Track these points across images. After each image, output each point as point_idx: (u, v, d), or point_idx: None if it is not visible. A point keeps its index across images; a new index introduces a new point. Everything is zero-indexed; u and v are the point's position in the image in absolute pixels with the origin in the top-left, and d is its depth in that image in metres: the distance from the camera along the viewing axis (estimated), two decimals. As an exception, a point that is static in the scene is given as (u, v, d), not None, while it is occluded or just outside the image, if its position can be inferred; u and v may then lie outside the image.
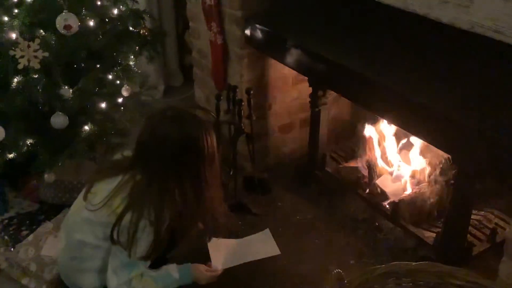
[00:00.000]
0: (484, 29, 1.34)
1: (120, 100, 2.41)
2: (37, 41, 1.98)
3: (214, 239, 1.94)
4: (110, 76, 2.34)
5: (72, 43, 2.09)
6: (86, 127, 2.19)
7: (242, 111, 2.26)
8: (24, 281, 2.04)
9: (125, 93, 2.39)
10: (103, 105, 2.27)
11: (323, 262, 2.14)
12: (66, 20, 2.01)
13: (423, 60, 1.65)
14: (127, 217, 1.51)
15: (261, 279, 2.07)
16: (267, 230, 2.10)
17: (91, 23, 2.16)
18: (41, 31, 2.06)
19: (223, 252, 1.93)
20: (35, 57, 1.98)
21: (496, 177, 1.49)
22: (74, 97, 2.11)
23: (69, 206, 2.33)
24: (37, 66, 1.98)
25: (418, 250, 2.14)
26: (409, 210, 2.21)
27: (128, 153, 1.71)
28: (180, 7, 3.23)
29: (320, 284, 1.76)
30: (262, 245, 2.03)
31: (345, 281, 1.36)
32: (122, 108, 2.43)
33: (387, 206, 2.28)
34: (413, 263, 1.46)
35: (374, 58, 1.78)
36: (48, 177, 2.20)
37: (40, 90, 2.03)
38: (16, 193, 2.49)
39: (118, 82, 2.38)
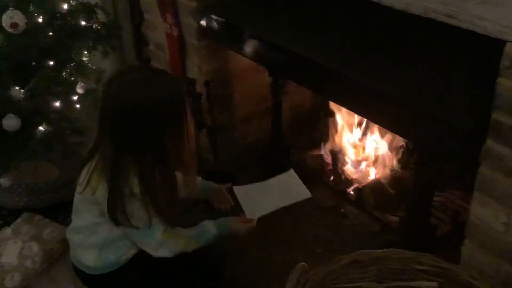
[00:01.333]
0: (437, 14, 1.33)
1: (75, 98, 2.33)
2: (-18, 41, 1.91)
3: (238, 187, 1.90)
4: (63, 74, 2.27)
5: (21, 42, 2.01)
6: (41, 128, 2.12)
7: (202, 104, 2.23)
8: None
9: (80, 90, 2.31)
10: (58, 104, 2.20)
11: (291, 252, 2.14)
12: (12, 18, 1.93)
13: (378, 47, 1.65)
14: (107, 195, 1.45)
15: (227, 269, 2.06)
16: (291, 171, 1.99)
17: (40, 19, 2.08)
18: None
19: (253, 200, 1.85)
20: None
21: (454, 160, 1.50)
22: (26, 97, 2.04)
23: (28, 210, 2.30)
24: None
25: (384, 235, 2.17)
26: (373, 195, 2.23)
27: None
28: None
29: (288, 274, 1.75)
30: (291, 188, 1.93)
31: (310, 273, 1.36)
32: (78, 106, 2.36)
33: (352, 192, 2.30)
34: (377, 251, 1.47)
35: (331, 47, 1.76)
36: (4, 181, 2.13)
37: (-11, 92, 1.95)
38: (-29, 199, 2.40)
39: (72, 79, 2.31)
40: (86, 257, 1.64)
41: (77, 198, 1.61)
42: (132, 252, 1.65)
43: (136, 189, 1.44)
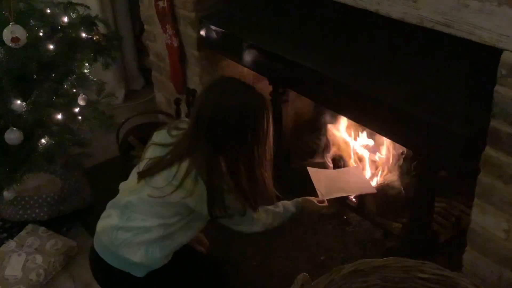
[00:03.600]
0: (433, 23, 1.34)
1: (77, 110, 2.35)
2: (-18, 57, 1.92)
3: (312, 169, 2.19)
4: (65, 86, 2.28)
5: (22, 56, 2.02)
6: (43, 140, 2.13)
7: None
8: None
9: (81, 102, 2.33)
10: (59, 116, 2.21)
11: (293, 261, 2.14)
12: (13, 33, 1.94)
13: (377, 56, 1.66)
14: (208, 194, 1.54)
15: (230, 277, 2.07)
16: (359, 166, 2.26)
17: (40, 33, 2.10)
18: (-13, 45, 1.99)
19: (325, 183, 2.10)
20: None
21: (453, 167, 1.50)
22: (28, 110, 2.05)
23: (32, 222, 2.30)
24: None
25: (386, 241, 2.16)
26: (376, 202, 2.23)
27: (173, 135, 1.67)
28: (135, 10, 3.16)
29: (289, 283, 1.76)
30: (358, 181, 2.17)
31: (312, 284, 1.36)
32: (80, 118, 2.37)
33: (354, 199, 2.30)
34: (378, 260, 1.47)
35: (330, 56, 1.77)
36: (8, 194, 2.13)
37: (-9, 106, 1.96)
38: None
39: (73, 91, 2.32)
40: (132, 254, 1.63)
41: (146, 197, 1.61)
42: (173, 251, 1.70)
43: (231, 184, 1.57)
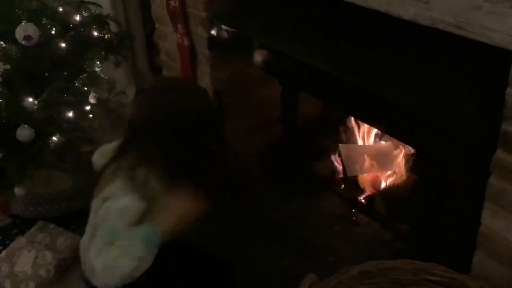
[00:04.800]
0: (445, 24, 1.33)
1: (88, 108, 2.37)
2: (-2, 53, 1.94)
3: (344, 145, 2.22)
4: (76, 84, 2.30)
5: (34, 54, 2.05)
6: (54, 138, 2.15)
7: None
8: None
9: (92, 100, 2.35)
10: (70, 114, 2.23)
11: (300, 261, 2.14)
12: (26, 31, 1.97)
13: (387, 57, 1.65)
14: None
15: (235, 277, 2.07)
16: (390, 144, 2.29)
17: (53, 31, 2.12)
18: (1, 42, 2.01)
19: (354, 158, 2.16)
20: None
21: (463, 169, 1.49)
22: (39, 108, 2.07)
23: (42, 218, 2.33)
24: None
25: (395, 243, 2.15)
26: (385, 203, 2.22)
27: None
28: (146, 9, 3.18)
29: (297, 284, 1.76)
30: (386, 159, 2.22)
31: (319, 284, 1.36)
32: (90, 115, 2.39)
33: (363, 200, 2.29)
34: (387, 261, 1.46)
35: (340, 56, 1.77)
36: (18, 191, 2.16)
37: (3, 103, 1.98)
38: (-14, 208, 2.43)
39: (85, 89, 2.34)
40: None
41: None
42: None
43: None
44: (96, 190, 1.54)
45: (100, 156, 1.67)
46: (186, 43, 2.43)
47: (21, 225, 2.36)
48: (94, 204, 1.50)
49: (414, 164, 2.20)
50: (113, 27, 2.52)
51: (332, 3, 1.72)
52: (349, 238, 2.24)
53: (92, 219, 1.50)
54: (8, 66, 1.95)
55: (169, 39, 2.63)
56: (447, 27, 1.33)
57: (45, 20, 2.13)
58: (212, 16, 2.26)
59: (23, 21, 1.98)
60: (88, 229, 1.49)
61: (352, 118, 2.38)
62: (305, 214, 2.38)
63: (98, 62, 2.41)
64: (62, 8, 2.28)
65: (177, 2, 2.32)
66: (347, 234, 2.26)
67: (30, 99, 2.05)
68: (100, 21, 2.41)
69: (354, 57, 1.74)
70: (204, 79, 2.47)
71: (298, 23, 1.99)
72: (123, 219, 1.40)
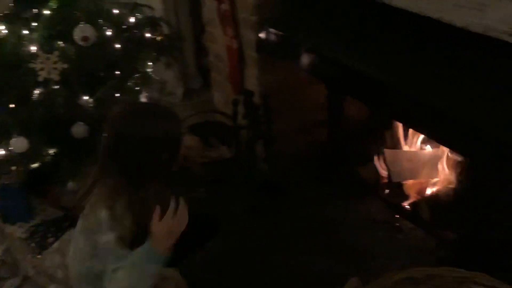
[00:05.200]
0: (498, 32, 1.32)
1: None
2: (56, 53, 2.03)
3: (390, 150, 2.25)
4: (128, 84, 2.38)
5: (91, 53, 2.13)
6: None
7: (259, 115, 2.28)
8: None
9: (143, 99, 2.42)
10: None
11: (340, 264, 2.14)
12: (83, 32, 2.06)
13: (438, 64, 1.64)
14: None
15: (275, 276, 2.10)
16: (437, 151, 2.26)
17: (108, 32, 2.20)
18: (60, 42, 2.11)
19: (400, 164, 2.17)
20: (55, 69, 2.03)
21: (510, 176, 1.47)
22: (94, 106, 2.15)
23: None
24: (57, 78, 2.03)
25: (438, 251, 2.13)
26: (430, 210, 2.20)
27: None
28: (197, 11, 3.25)
29: (336, 286, 1.77)
30: (433, 167, 2.20)
31: (363, 288, 1.37)
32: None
33: (408, 206, 2.28)
34: (432, 268, 1.46)
35: (390, 62, 1.76)
36: (71, 185, 2.25)
37: (61, 101, 2.07)
38: (41, 200, 2.54)
39: (137, 89, 2.42)
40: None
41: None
42: None
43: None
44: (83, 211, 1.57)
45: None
46: (235, 45, 2.47)
47: (73, 218, 2.45)
48: (79, 225, 1.58)
49: (461, 171, 2.16)
50: (164, 29, 2.60)
51: (384, 9, 1.72)
52: (391, 244, 2.23)
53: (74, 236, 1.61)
54: (66, 66, 2.03)
55: (219, 41, 2.69)
56: (500, 35, 1.32)
57: (102, 22, 2.21)
58: (262, 20, 2.29)
59: (81, 23, 2.07)
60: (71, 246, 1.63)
61: (398, 124, 2.37)
62: (348, 218, 2.38)
63: (150, 63, 2.48)
64: (117, 10, 2.36)
65: (228, 6, 2.37)
66: (389, 239, 2.25)
67: (86, 97, 2.13)
68: (153, 23, 2.49)
69: (403, 63, 1.74)
70: (252, 81, 2.51)
71: (347, 29, 2.00)
72: (115, 251, 1.44)
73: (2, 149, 2.05)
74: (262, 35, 2.32)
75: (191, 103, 3.42)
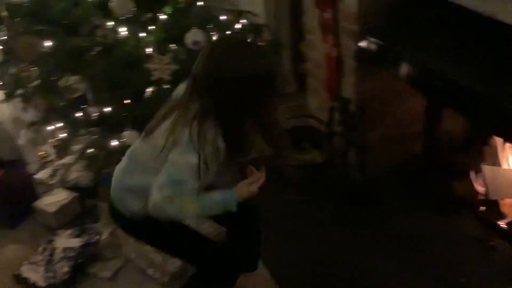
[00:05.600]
0: None
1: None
2: (169, 55, 2.19)
3: (489, 167, 2.18)
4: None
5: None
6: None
7: (355, 123, 2.31)
8: (150, 271, 2.27)
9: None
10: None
11: (428, 278, 2.12)
12: (194, 36, 2.21)
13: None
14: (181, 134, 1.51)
15: (358, 284, 2.14)
16: None
17: (215, 37, 2.33)
18: (173, 45, 2.27)
19: (498, 181, 2.14)
20: (167, 69, 2.19)
21: None
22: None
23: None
24: (168, 78, 2.19)
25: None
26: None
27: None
28: (296, 18, 3.32)
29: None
30: None
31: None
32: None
33: (504, 225, 2.21)
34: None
35: (495, 76, 1.74)
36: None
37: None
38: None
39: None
40: (130, 203, 1.70)
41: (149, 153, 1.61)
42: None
43: (221, 145, 1.50)
44: (151, 126, 1.63)
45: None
46: (334, 53, 2.52)
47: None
48: (147, 140, 1.63)
49: None
50: (266, 35, 2.70)
51: (488, 22, 1.70)
52: (484, 263, 2.17)
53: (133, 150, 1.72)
54: (177, 67, 2.18)
55: (318, 48, 2.75)
56: None
57: (210, 27, 2.35)
58: (363, 30, 2.32)
59: (193, 27, 2.22)
60: (125, 159, 1.74)
61: (498, 139, 2.30)
62: (439, 232, 2.35)
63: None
64: (224, 16, 2.50)
65: (330, 15, 2.43)
66: (482, 258, 2.20)
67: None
68: (256, 29, 2.60)
69: (509, 78, 1.71)
70: (349, 89, 2.54)
71: (449, 40, 1.98)
72: (192, 175, 1.49)
73: (116, 140, 2.25)
74: (362, 44, 2.35)
75: (285, 106, 3.50)
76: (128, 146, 2.26)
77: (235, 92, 1.48)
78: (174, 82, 2.24)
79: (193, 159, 1.47)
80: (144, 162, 1.64)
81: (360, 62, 2.42)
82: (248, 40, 1.65)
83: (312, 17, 2.69)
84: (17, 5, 2.13)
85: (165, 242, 1.81)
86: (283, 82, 1.55)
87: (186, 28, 2.24)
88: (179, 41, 2.26)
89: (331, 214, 2.52)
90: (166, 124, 1.55)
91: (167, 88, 2.21)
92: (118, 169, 1.75)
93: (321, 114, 2.81)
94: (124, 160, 1.75)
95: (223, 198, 1.58)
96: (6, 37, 2.25)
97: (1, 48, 2.31)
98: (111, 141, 2.23)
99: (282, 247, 2.38)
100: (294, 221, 2.53)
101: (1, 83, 2.43)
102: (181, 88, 1.68)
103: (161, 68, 2.18)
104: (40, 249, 2.39)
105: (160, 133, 1.56)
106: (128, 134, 2.21)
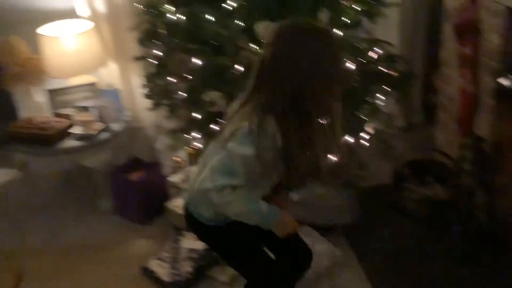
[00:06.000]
0: None
1: (363, 135, 2.58)
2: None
3: None
4: (358, 112, 2.53)
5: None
6: (331, 157, 2.42)
7: (487, 163, 2.23)
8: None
9: (369, 129, 2.55)
10: (349, 138, 2.48)
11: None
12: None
13: None
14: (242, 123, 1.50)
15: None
16: None
17: (350, 64, 2.39)
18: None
19: None
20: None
21: None
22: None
23: (308, 224, 2.62)
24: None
25: None
26: None
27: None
28: (431, 50, 3.28)
29: None
30: None
31: None
32: (364, 143, 2.60)
33: None
34: None
35: None
36: (294, 195, 2.50)
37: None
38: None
39: (365, 119, 2.56)
40: (202, 211, 1.73)
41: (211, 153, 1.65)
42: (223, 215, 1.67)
43: (279, 143, 1.48)
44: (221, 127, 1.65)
45: (230, 109, 1.70)
46: (471, 89, 2.46)
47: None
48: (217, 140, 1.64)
49: None
50: (399, 65, 2.69)
51: None
52: None
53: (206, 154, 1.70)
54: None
55: (452, 82, 2.70)
56: None
57: (346, 55, 2.41)
58: (505, 67, 2.25)
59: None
60: (199, 164, 1.72)
61: None
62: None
63: (381, 96, 2.60)
64: (359, 44, 2.55)
65: (471, 50, 2.38)
66: None
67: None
68: (390, 59, 2.61)
69: None
70: (483, 127, 2.46)
71: None
72: (243, 168, 1.50)
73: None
74: (503, 81, 2.28)
75: (412, 137, 3.45)
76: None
77: (299, 85, 1.45)
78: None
79: (248, 151, 1.47)
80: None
81: (499, 100, 2.34)
82: (318, 29, 1.55)
83: (449, 50, 2.65)
84: (175, 25, 2.35)
85: (226, 251, 1.86)
86: (349, 81, 1.49)
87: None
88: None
89: (453, 253, 2.44)
90: (232, 121, 1.57)
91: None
92: (194, 174, 1.77)
93: (449, 149, 2.74)
94: (199, 165, 1.76)
95: (268, 211, 1.57)
96: (161, 53, 2.50)
97: (155, 62, 2.57)
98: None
99: (401, 279, 2.37)
100: (413, 254, 2.50)
101: (150, 93, 2.71)
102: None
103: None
104: (168, 246, 2.60)
105: (227, 129, 1.56)
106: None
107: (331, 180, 2.41)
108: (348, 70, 1.59)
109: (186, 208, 1.80)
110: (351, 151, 2.53)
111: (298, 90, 1.46)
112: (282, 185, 1.76)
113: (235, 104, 1.64)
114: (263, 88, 1.50)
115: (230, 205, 1.53)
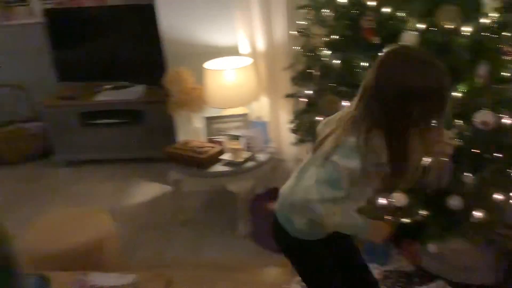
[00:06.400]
0: None
1: None
2: (454, 130, 2.26)
3: None
4: (509, 170, 2.41)
5: (485, 136, 2.27)
6: (478, 214, 2.32)
7: None
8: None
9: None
10: (499, 196, 2.36)
11: None
12: (485, 117, 2.23)
13: None
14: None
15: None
16: None
17: (507, 120, 2.30)
18: (459, 121, 2.32)
19: None
20: (449, 144, 2.25)
21: None
22: (474, 184, 2.28)
23: (442, 278, 2.53)
24: (451, 152, 2.24)
25: None
26: None
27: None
28: None
29: None
30: None
31: None
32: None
33: None
34: None
35: None
36: (432, 247, 2.43)
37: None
38: (399, 251, 2.81)
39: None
40: (295, 219, 1.80)
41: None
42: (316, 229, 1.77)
43: (384, 158, 1.57)
44: (318, 141, 1.71)
45: (323, 126, 1.77)
46: None
47: (423, 277, 2.64)
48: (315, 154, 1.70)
49: None
50: None
51: None
52: None
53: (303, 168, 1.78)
54: (460, 142, 2.22)
55: None
56: None
57: (502, 110, 2.33)
58: None
59: (483, 108, 2.24)
60: (294, 177, 1.81)
61: None
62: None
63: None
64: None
65: None
66: None
67: (469, 174, 2.29)
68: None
69: None
70: None
71: None
72: (347, 180, 1.59)
73: (385, 200, 2.40)
74: None
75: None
76: (396, 207, 2.40)
77: (404, 105, 1.52)
78: (454, 158, 2.30)
79: (353, 164, 1.56)
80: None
81: None
82: (424, 55, 1.61)
83: None
84: (329, 67, 2.48)
85: (304, 266, 1.93)
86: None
87: (476, 108, 2.27)
88: (466, 117, 2.30)
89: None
90: (334, 136, 1.65)
91: (445, 161, 2.27)
92: (286, 187, 1.85)
93: None
94: (293, 178, 1.83)
95: (363, 221, 1.70)
96: (312, 92, 2.64)
97: (306, 100, 2.72)
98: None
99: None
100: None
101: (297, 128, 2.85)
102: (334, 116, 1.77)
103: (442, 142, 2.26)
104: (296, 278, 2.68)
105: (327, 143, 1.65)
106: (397, 196, 2.35)
107: (472, 236, 2.33)
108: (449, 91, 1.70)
109: (276, 226, 1.90)
110: (498, 208, 2.42)
111: (402, 109, 1.54)
112: (412, 234, 1.87)
113: (332, 120, 1.75)
114: (369, 106, 1.60)
115: (333, 216, 1.62)
